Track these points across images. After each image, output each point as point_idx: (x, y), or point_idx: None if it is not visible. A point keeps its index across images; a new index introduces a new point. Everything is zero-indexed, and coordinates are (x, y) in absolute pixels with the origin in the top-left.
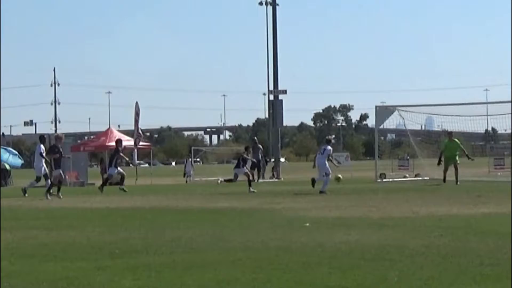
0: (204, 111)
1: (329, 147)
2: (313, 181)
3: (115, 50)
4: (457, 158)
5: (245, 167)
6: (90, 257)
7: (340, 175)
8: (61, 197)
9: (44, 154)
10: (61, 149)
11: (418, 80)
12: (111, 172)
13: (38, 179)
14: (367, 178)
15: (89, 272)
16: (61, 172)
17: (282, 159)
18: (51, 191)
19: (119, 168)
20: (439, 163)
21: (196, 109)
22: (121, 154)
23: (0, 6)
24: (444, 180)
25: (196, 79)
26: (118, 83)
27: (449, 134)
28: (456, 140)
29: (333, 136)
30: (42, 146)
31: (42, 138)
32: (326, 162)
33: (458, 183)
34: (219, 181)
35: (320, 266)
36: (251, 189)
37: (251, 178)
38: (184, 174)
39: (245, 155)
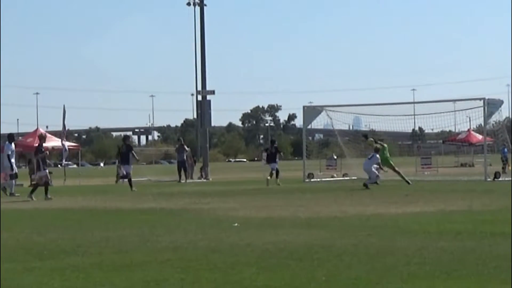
0: (133, 112)
1: (377, 155)
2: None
3: (43, 51)
4: (390, 162)
5: (277, 162)
6: (18, 258)
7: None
8: (51, 197)
9: (12, 153)
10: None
11: (345, 80)
12: (127, 170)
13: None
14: (295, 178)
15: (18, 273)
16: (47, 172)
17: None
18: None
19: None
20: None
21: (124, 109)
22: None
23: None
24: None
25: (124, 80)
26: (46, 84)
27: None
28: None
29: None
30: (12, 145)
31: (11, 137)
32: (373, 167)
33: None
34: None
35: (249, 266)
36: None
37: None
38: (117, 175)
39: (276, 147)
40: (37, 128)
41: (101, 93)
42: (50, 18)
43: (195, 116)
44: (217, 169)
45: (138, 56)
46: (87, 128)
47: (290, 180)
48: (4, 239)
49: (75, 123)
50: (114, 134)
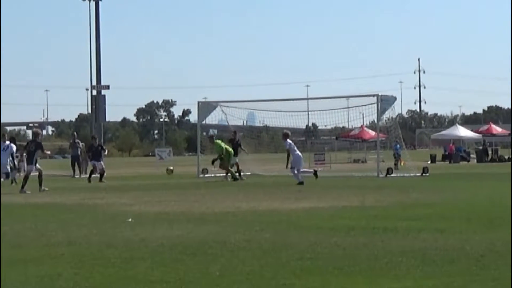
0: (27, 106)
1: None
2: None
3: None
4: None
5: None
6: None
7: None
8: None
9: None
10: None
11: (240, 76)
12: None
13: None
14: (189, 173)
15: None
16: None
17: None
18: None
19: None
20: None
21: (18, 104)
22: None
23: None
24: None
25: (18, 74)
26: None
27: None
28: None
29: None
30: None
31: (7, 135)
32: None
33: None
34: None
35: (143, 261)
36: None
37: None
38: (18, 169)
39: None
40: None
41: None
42: None
43: (89, 111)
44: (111, 164)
45: (32, 50)
46: None
47: (184, 175)
48: None
49: None
50: (8, 128)
